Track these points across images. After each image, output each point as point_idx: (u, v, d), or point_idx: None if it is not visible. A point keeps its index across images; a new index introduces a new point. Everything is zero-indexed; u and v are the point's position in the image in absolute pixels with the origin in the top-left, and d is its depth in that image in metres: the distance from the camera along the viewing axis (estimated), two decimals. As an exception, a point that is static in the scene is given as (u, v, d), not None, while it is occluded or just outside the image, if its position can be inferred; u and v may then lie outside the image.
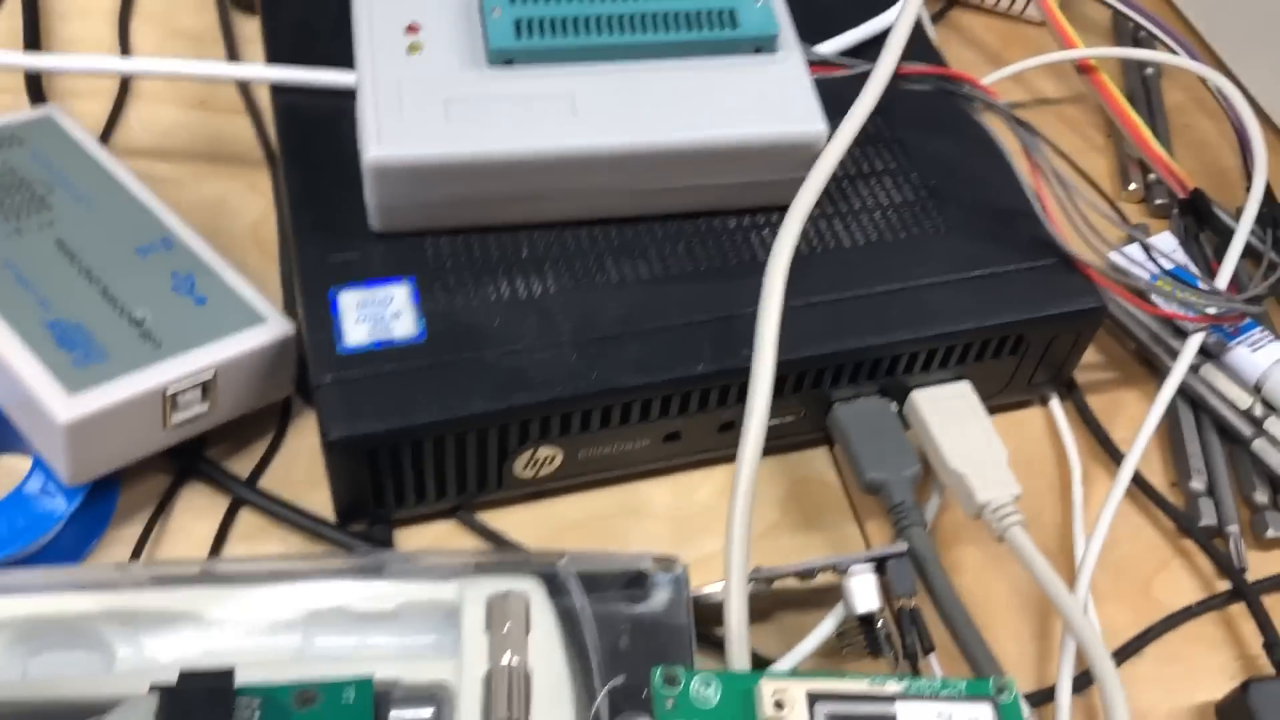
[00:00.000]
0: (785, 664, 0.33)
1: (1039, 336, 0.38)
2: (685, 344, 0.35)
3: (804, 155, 0.36)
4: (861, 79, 0.38)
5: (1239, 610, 0.37)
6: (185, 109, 0.46)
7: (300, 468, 0.37)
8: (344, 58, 0.39)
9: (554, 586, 0.31)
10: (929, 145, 0.41)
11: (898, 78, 0.39)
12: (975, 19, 0.54)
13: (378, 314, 0.34)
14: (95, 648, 0.31)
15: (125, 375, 0.33)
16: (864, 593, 0.33)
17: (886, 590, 0.34)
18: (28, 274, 0.35)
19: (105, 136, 0.45)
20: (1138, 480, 0.39)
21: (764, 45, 0.37)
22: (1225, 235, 0.44)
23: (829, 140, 0.36)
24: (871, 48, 0.43)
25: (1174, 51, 0.48)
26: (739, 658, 0.30)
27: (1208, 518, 0.39)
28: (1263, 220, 0.45)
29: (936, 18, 0.54)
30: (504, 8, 0.36)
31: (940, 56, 0.44)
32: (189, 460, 0.37)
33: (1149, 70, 0.52)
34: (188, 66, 0.42)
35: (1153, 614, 0.37)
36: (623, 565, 0.32)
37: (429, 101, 0.35)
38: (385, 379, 0.33)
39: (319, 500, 0.36)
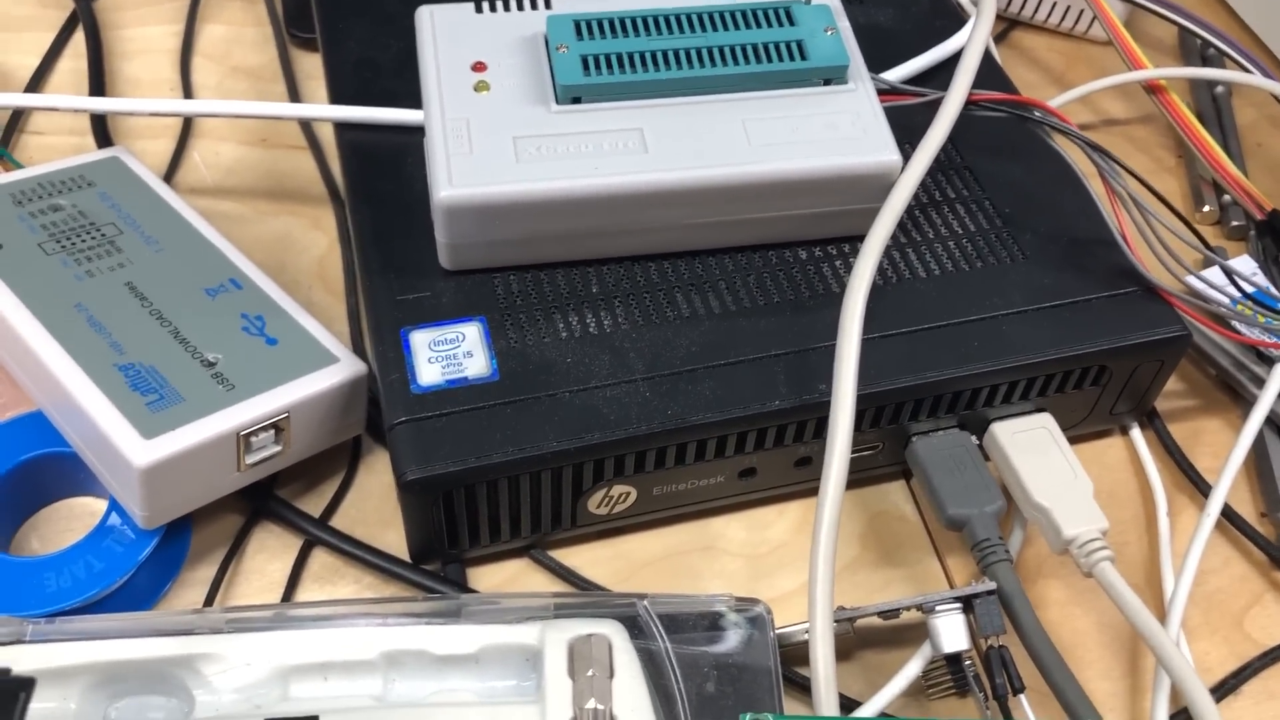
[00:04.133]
0: (872, 707, 0.33)
1: (1121, 366, 0.37)
2: (760, 379, 0.34)
3: (878, 185, 0.36)
4: (931, 106, 0.38)
5: (1336, 646, 0.36)
6: (247, 146, 0.46)
7: (372, 507, 0.37)
8: (407, 95, 0.39)
9: (635, 628, 0.31)
10: (1001, 172, 0.40)
11: (969, 104, 0.38)
12: (1038, 39, 0.54)
13: (450, 353, 0.34)
14: (175, 693, 0.31)
15: (200, 419, 0.33)
16: (951, 632, 0.32)
17: (973, 629, 0.33)
18: (100, 317, 0.35)
19: (169, 174, 0.45)
20: (1226, 512, 0.38)
21: (834, 76, 0.37)
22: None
23: (903, 170, 0.36)
24: (936, 74, 0.43)
25: (1246, 69, 0.47)
26: (827, 703, 0.30)
27: (1300, 550, 0.38)
28: (1344, 241, 0.44)
29: (999, 39, 0.53)
30: (571, 44, 0.36)
31: (1009, 81, 0.44)
32: (261, 500, 0.36)
33: (1219, 89, 0.51)
34: (252, 107, 0.42)
35: (1247, 650, 0.36)
36: (704, 606, 0.31)
37: (498, 140, 0.35)
38: (459, 419, 0.33)
39: (391, 539, 0.36)
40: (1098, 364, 0.36)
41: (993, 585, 0.33)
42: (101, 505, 0.35)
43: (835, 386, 0.32)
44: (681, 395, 0.34)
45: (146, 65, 0.49)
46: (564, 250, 0.36)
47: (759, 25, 0.37)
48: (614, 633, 0.30)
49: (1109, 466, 0.40)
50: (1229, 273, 0.39)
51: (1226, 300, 0.39)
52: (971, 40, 0.39)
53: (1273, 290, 0.43)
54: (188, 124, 0.47)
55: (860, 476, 0.38)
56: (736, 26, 0.37)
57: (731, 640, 0.31)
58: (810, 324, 0.35)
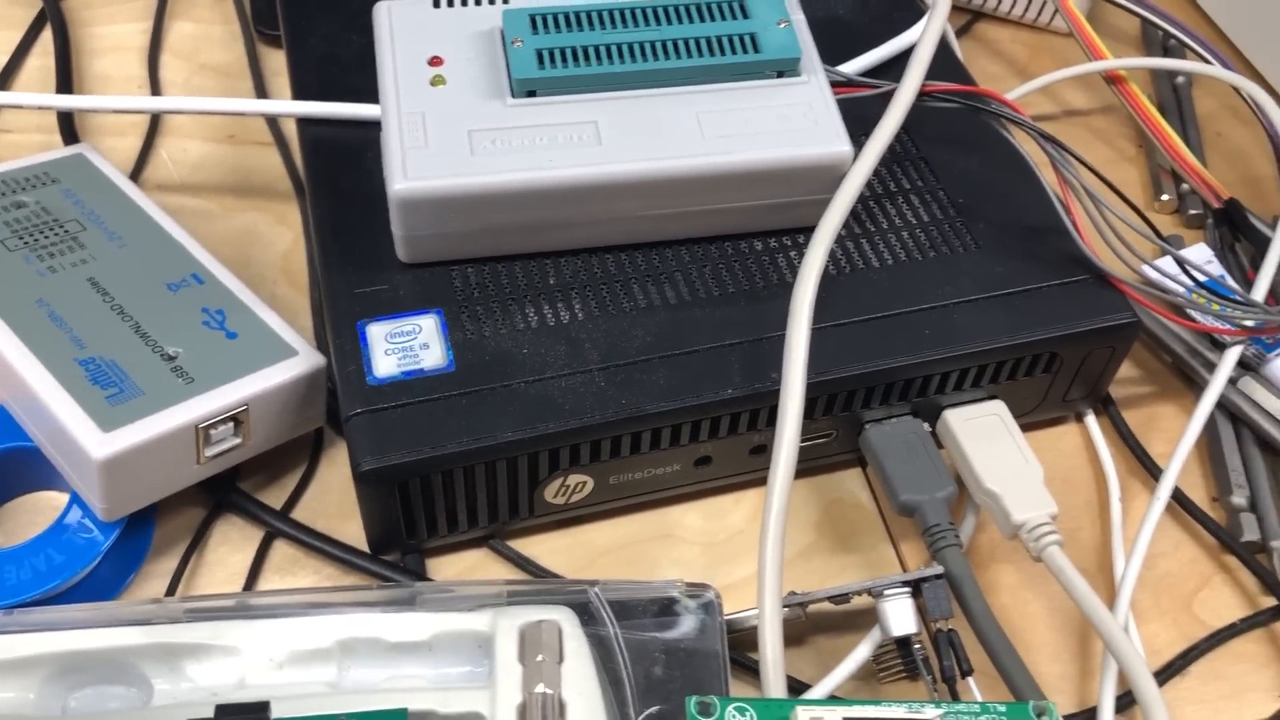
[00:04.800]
0: (821, 690, 0.33)
1: (1072, 353, 0.37)
2: (714, 368, 0.35)
3: (829, 176, 0.36)
4: (886, 98, 0.38)
5: (1285, 627, 0.37)
6: (214, 143, 0.47)
7: (333, 499, 0.38)
8: (369, 90, 0.40)
9: (586, 615, 0.31)
10: (956, 163, 0.40)
11: (923, 95, 0.39)
12: (1001, 31, 0.54)
13: (406, 345, 0.35)
14: (133, 682, 0.31)
15: (158, 411, 0.33)
16: (899, 616, 0.33)
17: (923, 613, 0.34)
18: (61, 312, 0.35)
19: (136, 171, 0.46)
20: (1178, 496, 0.39)
21: (786, 69, 0.37)
22: (1262, 245, 0.43)
23: (855, 160, 0.36)
24: (895, 66, 0.43)
25: (1206, 60, 0.48)
26: (775, 685, 0.30)
27: (1250, 533, 0.38)
28: (1299, 228, 0.44)
29: (962, 30, 0.54)
30: (526, 39, 0.36)
31: (966, 73, 0.44)
32: (223, 493, 0.37)
33: (1180, 79, 0.52)
34: (215, 103, 0.43)
35: (1196, 632, 0.36)
36: (654, 593, 0.32)
37: (453, 134, 0.35)
38: (414, 409, 0.33)
39: (352, 531, 0.37)
40: (1048, 351, 0.37)
41: (940, 569, 0.33)
42: (64, 499, 0.36)
43: (785, 372, 0.33)
44: (636, 385, 0.34)
45: (115, 63, 0.50)
46: (521, 243, 0.36)
47: (712, 19, 0.37)
48: (564, 619, 0.31)
49: (1064, 453, 0.40)
50: (1180, 262, 0.40)
51: (1181, 289, 0.40)
52: (925, 32, 0.39)
53: (1228, 278, 0.43)
54: (155, 121, 0.47)
55: (815, 464, 0.38)
56: (690, 20, 0.37)
57: (682, 625, 0.32)
58: (764, 313, 0.36)
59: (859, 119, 0.37)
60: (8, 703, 0.30)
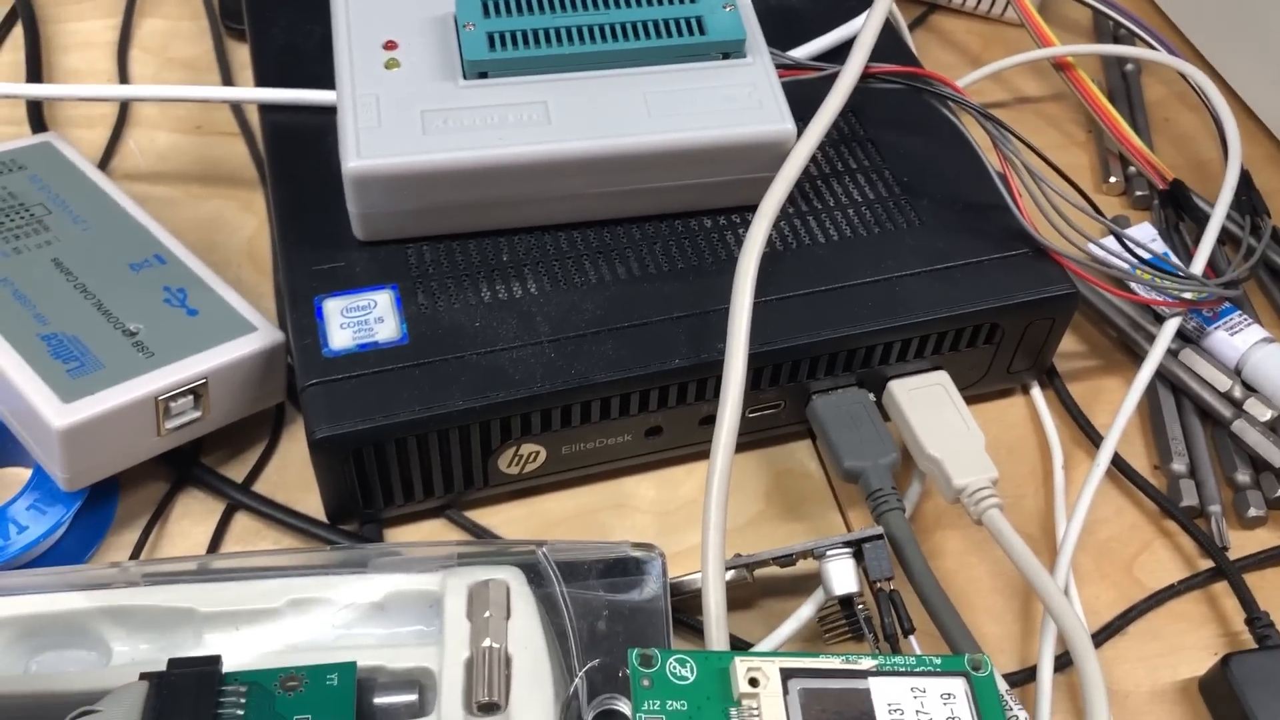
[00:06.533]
0: (765, 647, 0.34)
1: (1013, 324, 0.38)
2: (662, 340, 0.36)
3: (773, 154, 0.37)
4: (833, 80, 0.39)
5: (1221, 589, 0.38)
6: (181, 133, 0.48)
7: (294, 472, 0.38)
8: (330, 79, 0.41)
9: (537, 576, 0.32)
10: (902, 143, 0.42)
11: (868, 78, 0.40)
12: (956, 22, 0.55)
13: (361, 319, 0.35)
14: (93, 646, 0.32)
15: (118, 384, 0.34)
16: (841, 575, 0.34)
17: (866, 575, 0.34)
18: (25, 290, 0.36)
19: (105, 161, 0.46)
20: (1121, 465, 0.40)
21: (732, 50, 0.38)
22: (1205, 224, 0.44)
23: (798, 139, 0.37)
24: (845, 52, 0.44)
25: (1152, 47, 0.49)
26: (718, 639, 0.31)
27: (1189, 499, 0.39)
28: (1241, 207, 0.45)
29: (918, 22, 0.55)
30: (478, 22, 0.37)
31: (914, 58, 0.45)
32: (185, 467, 0.38)
33: (1129, 66, 0.53)
34: (178, 91, 0.44)
35: (1136, 594, 0.37)
36: (601, 553, 0.33)
37: (406, 114, 0.36)
38: (368, 380, 0.34)
39: (312, 503, 0.37)
40: (989, 322, 0.38)
41: (880, 530, 0.34)
42: (28, 474, 0.37)
43: (729, 338, 0.34)
44: (585, 355, 0.35)
45: (84, 58, 0.50)
46: (474, 220, 0.37)
47: (660, 2, 0.38)
48: (512, 578, 0.31)
49: (1010, 424, 0.41)
50: (1121, 238, 0.41)
51: (1126, 266, 0.41)
52: (870, 14, 0.40)
53: (1172, 257, 0.44)
54: (124, 113, 0.48)
55: (765, 436, 0.39)
56: (638, 4, 0.38)
57: (627, 584, 0.32)
58: (711, 287, 0.37)
59: (809, 102, 0.38)
60: (-31, 666, 0.31)
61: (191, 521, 0.37)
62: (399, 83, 0.37)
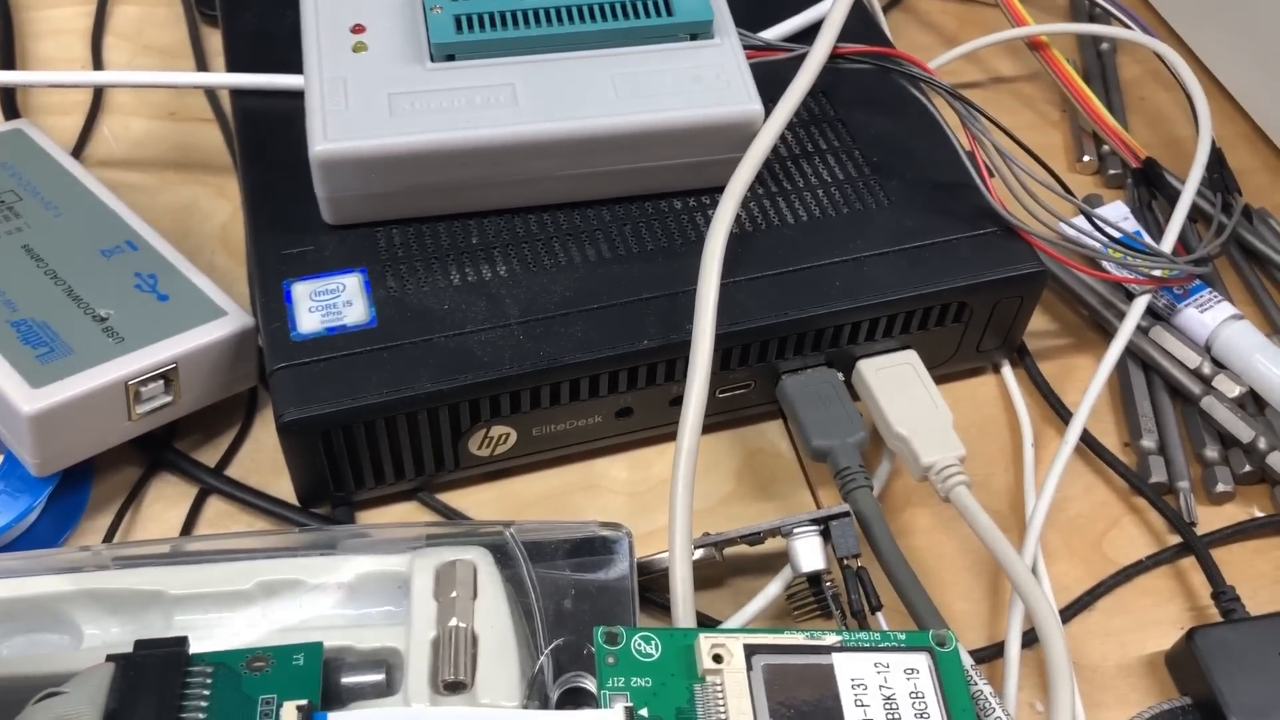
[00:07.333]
0: (733, 625, 0.34)
1: (981, 302, 0.38)
2: (630, 321, 0.36)
3: (741, 135, 0.37)
4: (801, 61, 0.39)
5: (1189, 564, 0.38)
6: (155, 120, 0.48)
7: (266, 456, 0.39)
8: (300, 63, 0.41)
9: (504, 557, 0.32)
10: (871, 124, 0.42)
11: (837, 58, 0.40)
12: (932, 3, 0.55)
13: (330, 302, 0.36)
14: (64, 629, 0.32)
15: (88, 369, 0.34)
16: (808, 553, 0.34)
17: (834, 552, 0.35)
18: (-5, 277, 0.36)
19: (80, 148, 0.46)
20: (1091, 442, 0.40)
21: (699, 31, 0.38)
22: (1176, 202, 0.45)
23: (766, 119, 0.37)
24: (815, 33, 0.44)
25: (1127, 26, 0.49)
26: (685, 617, 0.31)
27: (1158, 475, 0.39)
28: (1213, 185, 0.45)
29: (894, 3, 0.55)
30: (445, 5, 0.37)
31: (886, 38, 0.45)
32: (158, 452, 0.38)
33: (1104, 45, 0.53)
34: (149, 77, 0.44)
35: (1105, 570, 0.38)
36: (568, 533, 0.33)
37: (373, 97, 0.36)
38: (337, 363, 0.34)
39: (284, 487, 0.37)
40: (957, 300, 0.38)
41: (847, 508, 0.34)
42: None
43: (696, 315, 0.34)
44: (554, 337, 0.35)
45: (58, 44, 0.50)
46: (443, 203, 0.37)
47: (627, -16, 0.38)
48: (479, 558, 0.32)
49: (981, 403, 0.41)
50: (1090, 216, 0.41)
51: (1096, 244, 0.41)
52: (838, -4, 0.40)
53: (1144, 235, 0.44)
54: (98, 100, 0.48)
55: (736, 416, 0.40)
56: (605, -14, 0.38)
57: (595, 563, 0.33)
58: (680, 269, 0.37)
59: (779, 83, 0.38)
60: (-60, 651, 0.31)
61: (165, 505, 0.38)
62: (366, 66, 0.37)
